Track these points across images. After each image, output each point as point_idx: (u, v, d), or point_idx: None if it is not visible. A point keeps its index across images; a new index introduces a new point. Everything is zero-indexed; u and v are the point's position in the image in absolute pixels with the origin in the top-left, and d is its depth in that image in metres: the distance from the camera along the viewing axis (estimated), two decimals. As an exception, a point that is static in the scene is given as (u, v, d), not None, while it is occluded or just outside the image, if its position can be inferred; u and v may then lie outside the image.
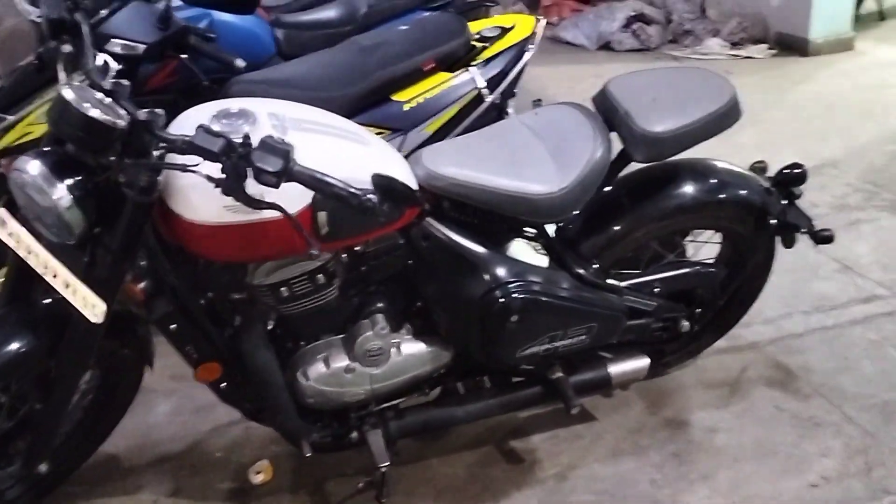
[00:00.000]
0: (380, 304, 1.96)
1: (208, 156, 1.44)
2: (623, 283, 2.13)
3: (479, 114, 2.76)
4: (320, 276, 1.83)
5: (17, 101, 2.49)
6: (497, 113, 2.84)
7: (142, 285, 1.67)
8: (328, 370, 1.93)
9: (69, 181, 1.52)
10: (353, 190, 1.46)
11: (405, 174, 1.82)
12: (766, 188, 2.20)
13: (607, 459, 2.22)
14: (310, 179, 1.46)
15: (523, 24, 2.89)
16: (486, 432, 2.32)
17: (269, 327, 1.91)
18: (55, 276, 1.66)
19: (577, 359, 2.23)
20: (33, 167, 1.51)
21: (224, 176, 1.45)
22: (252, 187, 1.44)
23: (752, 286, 2.38)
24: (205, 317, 1.83)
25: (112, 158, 1.53)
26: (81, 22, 1.72)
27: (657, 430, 2.32)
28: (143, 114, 1.53)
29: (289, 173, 1.44)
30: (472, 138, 2.06)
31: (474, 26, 2.90)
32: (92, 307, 1.64)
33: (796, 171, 2.19)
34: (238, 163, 1.44)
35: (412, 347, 1.99)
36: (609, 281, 2.10)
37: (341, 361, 1.94)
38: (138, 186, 1.54)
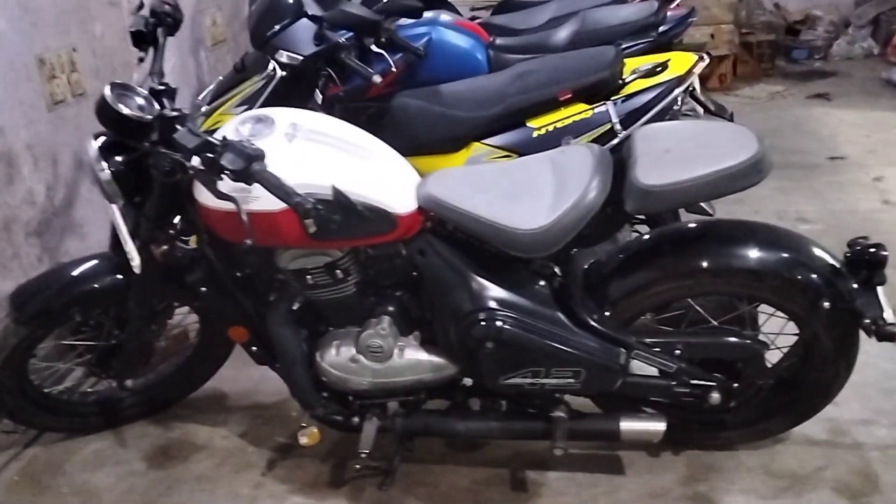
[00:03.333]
0: (390, 308, 2.14)
1: (182, 151, 1.78)
2: (635, 338, 2.06)
3: (608, 148, 2.74)
4: (337, 271, 2.07)
5: (220, 94, 3.04)
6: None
7: (162, 248, 2.06)
8: (337, 356, 2.16)
9: (114, 159, 1.95)
10: (292, 194, 1.70)
11: (399, 192, 1.98)
12: (833, 267, 1.97)
13: (605, 514, 2.16)
14: (264, 182, 1.73)
15: (679, 62, 2.80)
16: (511, 455, 2.36)
17: (295, 307, 2.18)
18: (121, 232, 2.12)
19: (606, 403, 2.21)
20: (91, 147, 1.97)
21: (201, 169, 1.79)
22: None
23: (825, 375, 2.11)
24: (237, 287, 2.17)
25: (146, 144, 1.93)
26: (160, 35, 2.15)
27: (678, 501, 2.18)
28: (169, 112, 1.92)
29: (250, 174, 1.72)
30: (490, 167, 2.13)
31: (636, 62, 2.88)
32: (132, 260, 2.07)
33: (880, 252, 1.93)
34: (210, 159, 1.76)
35: (415, 353, 2.14)
36: (621, 332, 2.05)
37: (349, 351, 2.15)
38: (161, 169, 1.92)
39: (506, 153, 2.83)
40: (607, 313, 2.05)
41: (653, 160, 1.90)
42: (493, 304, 2.01)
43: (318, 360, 2.19)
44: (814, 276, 1.95)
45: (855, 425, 2.40)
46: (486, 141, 2.85)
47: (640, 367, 2.08)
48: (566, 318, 2.03)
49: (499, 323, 1.99)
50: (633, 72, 2.82)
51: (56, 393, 2.53)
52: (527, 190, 1.99)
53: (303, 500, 2.29)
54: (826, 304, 1.94)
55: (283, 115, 2.01)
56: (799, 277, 1.95)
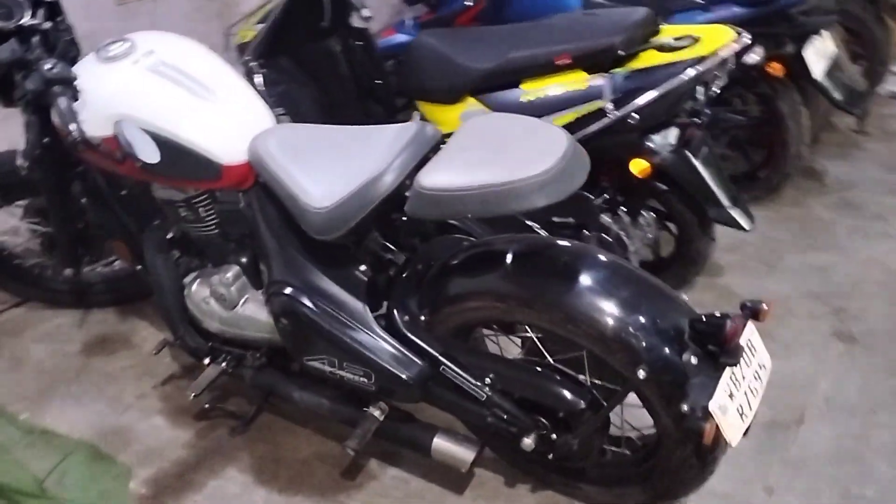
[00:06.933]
0: (243, 258, 2.05)
1: None
2: (446, 354, 1.79)
3: (596, 130, 2.36)
4: (199, 208, 2.03)
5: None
6: (637, 134, 2.38)
7: (35, 153, 2.12)
8: (195, 293, 2.13)
9: None
10: (68, 122, 1.69)
11: (228, 140, 1.85)
12: (671, 329, 1.57)
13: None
14: (55, 106, 1.73)
15: (710, 40, 2.30)
16: (374, 439, 2.19)
17: (170, 236, 2.17)
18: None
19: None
20: None
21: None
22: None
23: (672, 458, 1.70)
24: (119, 206, 2.20)
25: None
26: None
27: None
28: (28, 22, 1.95)
29: (43, 95, 1.73)
30: (340, 130, 1.89)
31: (680, 31, 2.41)
32: (17, 158, 2.17)
33: (718, 321, 1.51)
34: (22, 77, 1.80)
35: (256, 310, 2.03)
36: (431, 343, 1.80)
37: (204, 291, 2.11)
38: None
39: (496, 115, 2.54)
40: (423, 317, 1.80)
41: (446, 157, 1.60)
42: (296, 281, 1.85)
43: (186, 291, 2.17)
44: (638, 332, 1.55)
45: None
46: (481, 97, 2.58)
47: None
48: (369, 314, 1.82)
49: (295, 302, 1.83)
50: (665, 41, 2.37)
51: (27, 266, 2.76)
52: (348, 163, 1.76)
53: (162, 423, 2.32)
54: (641, 372, 1.55)
55: (146, 41, 1.95)
56: (619, 329, 1.56)
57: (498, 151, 1.55)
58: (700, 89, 2.39)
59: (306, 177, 1.75)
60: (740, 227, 2.49)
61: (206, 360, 2.19)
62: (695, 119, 2.40)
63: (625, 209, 2.60)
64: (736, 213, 2.49)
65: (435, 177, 1.55)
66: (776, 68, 2.92)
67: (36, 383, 2.50)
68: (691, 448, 1.64)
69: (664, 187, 2.52)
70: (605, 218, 2.56)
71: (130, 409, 2.38)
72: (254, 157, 1.83)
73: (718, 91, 2.42)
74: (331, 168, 1.76)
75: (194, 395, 2.12)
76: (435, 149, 1.70)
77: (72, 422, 2.33)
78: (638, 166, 2.41)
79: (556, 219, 2.55)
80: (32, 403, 2.41)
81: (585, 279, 1.62)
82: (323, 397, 2.05)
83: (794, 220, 3.24)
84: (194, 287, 2.14)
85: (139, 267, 2.31)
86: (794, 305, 2.67)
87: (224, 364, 2.16)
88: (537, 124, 1.63)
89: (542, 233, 2.46)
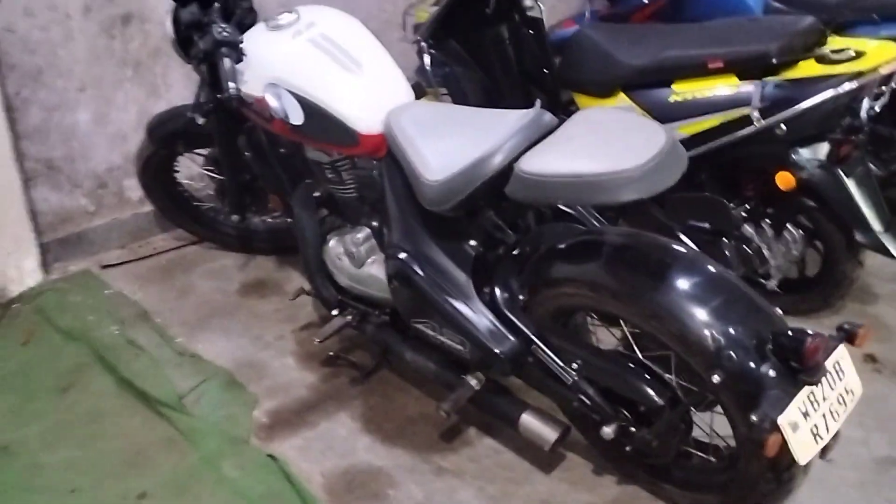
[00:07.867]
0: (374, 221, 2.22)
1: (183, 24, 2.08)
2: (539, 334, 1.87)
3: (740, 137, 2.33)
4: (342, 172, 2.23)
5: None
6: (784, 146, 2.33)
7: (207, 107, 2.37)
8: (331, 248, 2.33)
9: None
10: (225, 81, 1.93)
11: (367, 111, 2.02)
12: (753, 340, 1.57)
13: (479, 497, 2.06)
14: (219, 66, 1.98)
15: (873, 55, 2.20)
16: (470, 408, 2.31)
17: (317, 194, 2.37)
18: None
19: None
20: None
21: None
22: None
23: (749, 470, 1.70)
24: (277, 162, 2.43)
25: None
26: None
27: (563, 523, 1.98)
28: None
29: (212, 54, 2.00)
30: (471, 110, 2.01)
31: (843, 43, 2.32)
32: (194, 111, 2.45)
33: (800, 337, 1.50)
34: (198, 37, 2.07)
35: (379, 271, 2.19)
36: (525, 321, 1.89)
37: (338, 248, 2.30)
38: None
39: (643, 113, 2.55)
40: (521, 297, 1.88)
41: (549, 144, 1.66)
42: (410, 247, 1.98)
43: (324, 246, 2.36)
44: (719, 337, 1.56)
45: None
46: (632, 94, 2.60)
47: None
48: (472, 287, 1.93)
49: (406, 266, 1.96)
50: (824, 52, 2.29)
51: (204, 209, 3.08)
52: (467, 141, 1.86)
53: (292, 363, 2.55)
54: (716, 377, 1.55)
55: (310, 14, 2.15)
56: (699, 331, 1.57)
57: (597, 143, 1.61)
58: (865, 105, 2.28)
59: (427, 151, 1.88)
60: (890, 255, 2.37)
61: (335, 311, 2.37)
62: (851, 136, 2.30)
63: (769, 222, 2.53)
64: (886, 239, 2.37)
65: (533, 162, 1.63)
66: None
67: (195, 313, 2.81)
68: (766, 462, 1.63)
69: (812, 203, 2.43)
70: (748, 229, 2.51)
71: (269, 348, 2.62)
72: (387, 128, 1.98)
73: (879, 110, 2.30)
74: (451, 145, 1.87)
75: (319, 341, 2.32)
76: (548, 136, 1.77)
77: (217, 350, 2.60)
78: (783, 179, 2.35)
79: (692, 223, 2.53)
80: (189, 330, 2.71)
81: (678, 281, 1.64)
82: (430, 361, 2.17)
83: (970, 256, 2.99)
84: (331, 243, 2.33)
85: (290, 220, 2.53)
86: (944, 345, 2.50)
87: (349, 317, 2.33)
88: (641, 121, 1.66)
89: (683, 236, 2.46)
